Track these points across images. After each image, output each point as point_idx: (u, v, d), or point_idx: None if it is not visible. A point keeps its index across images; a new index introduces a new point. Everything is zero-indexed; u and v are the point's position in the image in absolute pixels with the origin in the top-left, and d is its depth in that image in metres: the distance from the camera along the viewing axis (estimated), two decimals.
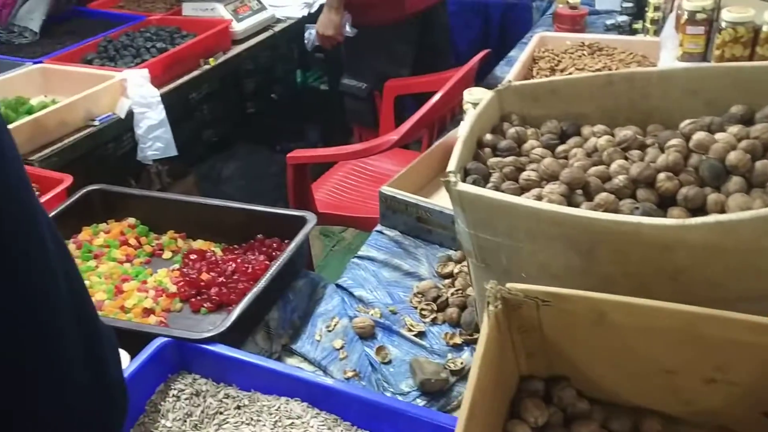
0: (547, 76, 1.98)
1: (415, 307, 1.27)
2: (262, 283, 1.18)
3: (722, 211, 0.89)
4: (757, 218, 0.75)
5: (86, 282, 1.31)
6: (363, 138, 2.86)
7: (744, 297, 0.80)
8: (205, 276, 1.32)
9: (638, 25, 2.41)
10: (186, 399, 1.03)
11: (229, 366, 1.06)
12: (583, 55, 2.05)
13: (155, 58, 2.31)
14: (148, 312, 1.26)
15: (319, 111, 3.67)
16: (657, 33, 2.18)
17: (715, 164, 0.93)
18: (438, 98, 2.13)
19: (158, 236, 1.48)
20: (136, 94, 2.10)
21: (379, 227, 1.50)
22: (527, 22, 3.17)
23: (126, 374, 0.98)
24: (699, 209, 0.91)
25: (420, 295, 1.28)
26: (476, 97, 1.62)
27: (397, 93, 2.68)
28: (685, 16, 1.67)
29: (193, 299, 1.29)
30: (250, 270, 1.31)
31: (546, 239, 0.87)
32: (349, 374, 1.14)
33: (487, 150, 1.10)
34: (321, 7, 2.96)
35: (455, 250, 1.38)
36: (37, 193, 1.61)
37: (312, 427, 0.97)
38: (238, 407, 1.01)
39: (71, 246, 1.42)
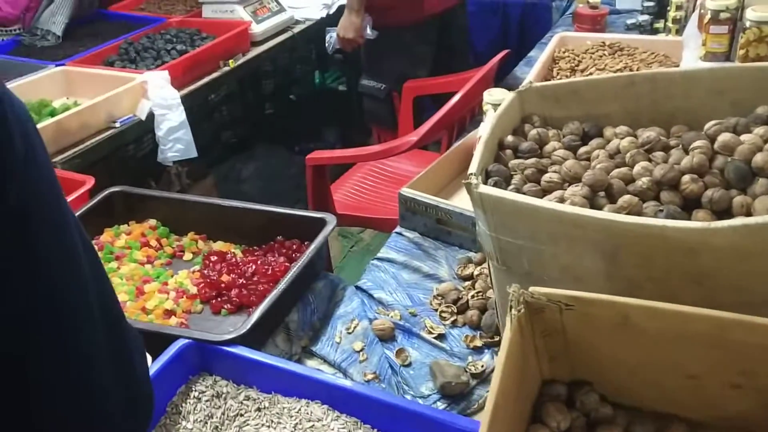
0: (567, 76, 1.96)
1: (435, 310, 1.26)
2: (282, 284, 1.18)
3: (748, 213, 0.87)
4: None
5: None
6: (381, 139, 2.86)
7: None
8: (225, 277, 1.32)
9: (659, 25, 2.38)
10: (207, 401, 1.03)
11: (249, 368, 1.06)
12: (604, 55, 2.04)
13: (175, 60, 2.33)
14: (169, 313, 1.27)
15: (338, 112, 3.68)
16: (679, 32, 2.16)
17: (740, 166, 0.91)
18: (457, 99, 2.12)
19: (179, 238, 1.49)
20: (157, 96, 2.11)
21: (398, 229, 1.49)
22: (547, 22, 3.15)
23: None
24: (724, 212, 0.90)
25: (440, 297, 1.28)
26: (496, 98, 1.61)
27: (415, 94, 2.68)
28: (709, 16, 1.65)
29: (213, 301, 1.30)
30: (270, 272, 1.32)
31: (568, 242, 0.86)
32: (369, 377, 1.14)
33: (509, 152, 1.09)
34: (340, 8, 2.97)
35: (475, 252, 1.38)
36: None
37: (332, 429, 0.97)
38: (259, 409, 1.02)
39: None
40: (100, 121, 2.03)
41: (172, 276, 1.37)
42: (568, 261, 0.88)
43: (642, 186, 0.94)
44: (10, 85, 2.08)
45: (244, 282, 1.31)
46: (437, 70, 2.75)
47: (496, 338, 1.16)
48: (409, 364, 1.15)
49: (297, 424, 0.99)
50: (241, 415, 1.01)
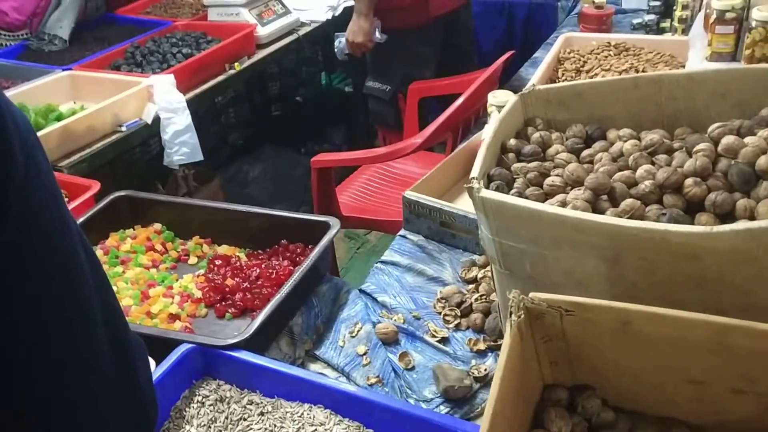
0: (572, 77, 1.96)
1: (439, 313, 1.26)
2: (285, 289, 1.19)
3: (752, 216, 0.87)
4: None
5: (113, 288, 1.33)
6: (387, 140, 2.86)
7: None
8: (229, 281, 1.32)
9: (666, 24, 2.37)
10: (210, 405, 1.04)
11: (253, 372, 1.06)
12: (610, 55, 2.03)
13: (181, 64, 2.33)
14: (173, 318, 1.27)
15: (344, 113, 3.68)
16: (685, 32, 2.15)
17: (744, 169, 0.91)
18: (462, 101, 2.12)
19: (184, 242, 1.50)
20: (163, 100, 2.12)
21: (402, 232, 1.49)
22: (552, 22, 3.14)
23: None
24: (728, 215, 0.90)
25: (443, 301, 1.28)
26: (500, 100, 1.61)
27: (421, 95, 2.68)
28: (714, 15, 1.63)
29: (218, 305, 1.30)
30: (274, 275, 1.32)
31: (571, 246, 0.86)
32: (372, 380, 1.14)
33: (511, 155, 1.09)
34: (345, 10, 2.98)
35: (479, 255, 1.37)
36: (66, 199, 1.63)
37: None
38: (262, 413, 1.02)
39: (98, 252, 1.44)
40: (107, 125, 2.04)
41: (176, 280, 1.38)
42: (570, 265, 0.87)
43: (645, 189, 0.93)
44: (18, 90, 2.11)
45: (249, 286, 1.31)
46: (443, 71, 2.74)
47: (500, 342, 1.16)
48: (413, 368, 1.15)
49: (300, 428, 0.99)
50: (244, 420, 1.01)
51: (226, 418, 1.02)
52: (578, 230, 0.84)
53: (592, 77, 1.92)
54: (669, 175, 0.92)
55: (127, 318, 1.24)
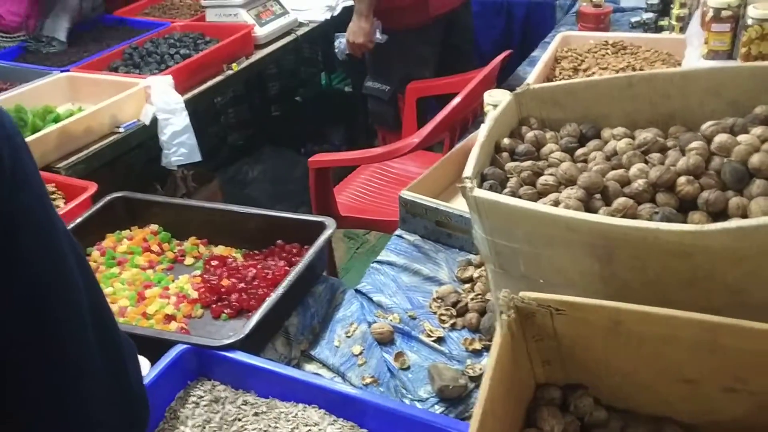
0: (569, 76, 1.95)
1: (435, 312, 1.26)
2: (280, 289, 1.19)
3: (744, 215, 0.87)
4: None
5: (110, 288, 1.33)
6: (386, 140, 2.85)
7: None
8: (225, 282, 1.32)
9: (664, 22, 2.36)
10: (205, 405, 1.04)
11: (247, 373, 1.06)
12: (607, 54, 2.03)
13: (179, 65, 2.33)
14: (169, 318, 1.27)
15: (344, 113, 3.68)
16: (683, 30, 2.14)
17: (737, 167, 0.91)
18: (459, 100, 2.12)
19: (180, 242, 1.50)
20: (160, 101, 2.12)
21: (399, 231, 1.49)
22: (551, 21, 3.14)
23: (146, 381, 0.98)
24: (721, 213, 0.89)
25: (439, 300, 1.28)
26: (496, 99, 1.61)
27: (419, 95, 2.68)
28: (711, 13, 1.63)
29: (213, 305, 1.30)
30: (270, 276, 1.32)
31: (563, 245, 0.86)
32: (368, 380, 1.14)
33: (505, 154, 1.09)
34: (344, 10, 2.97)
35: (475, 254, 1.37)
36: (62, 201, 1.64)
37: None
38: (256, 414, 1.02)
39: (95, 253, 1.44)
40: (105, 126, 2.04)
41: (173, 281, 1.38)
42: (564, 264, 0.87)
43: (638, 188, 0.93)
44: (16, 91, 2.11)
45: (245, 286, 1.31)
46: (442, 70, 2.74)
47: None
48: (408, 368, 1.15)
49: (294, 428, 0.99)
50: (239, 420, 1.01)
51: (221, 418, 1.02)
52: (570, 229, 0.84)
53: (589, 76, 1.91)
54: (662, 174, 0.92)
55: (123, 319, 1.25)
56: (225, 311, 1.28)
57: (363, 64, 2.87)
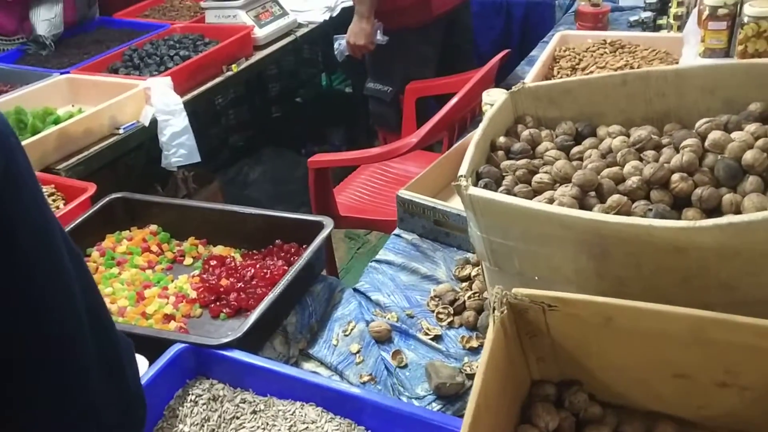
0: (567, 75, 1.96)
1: (432, 311, 1.26)
2: (278, 288, 1.19)
3: (738, 211, 0.87)
4: None
5: (109, 289, 1.34)
6: (387, 141, 2.86)
7: (762, 300, 0.79)
8: (224, 282, 1.33)
9: (663, 21, 2.37)
10: (203, 404, 1.04)
11: (245, 371, 1.07)
12: (605, 53, 2.03)
13: (178, 66, 2.34)
14: (168, 318, 1.28)
15: (344, 114, 3.69)
16: (680, 29, 2.15)
17: (730, 164, 0.91)
18: (457, 100, 2.12)
19: (180, 243, 1.50)
20: (160, 102, 2.13)
21: (397, 231, 1.50)
22: (550, 20, 3.14)
23: (144, 380, 0.99)
24: (714, 210, 0.90)
25: (437, 299, 1.28)
26: (494, 99, 1.61)
27: (418, 95, 2.68)
28: (707, 12, 1.63)
29: (212, 305, 1.31)
30: (268, 275, 1.32)
31: (558, 243, 0.87)
32: (365, 378, 1.14)
33: (501, 153, 1.09)
34: (343, 11, 2.98)
35: (473, 253, 1.38)
36: (62, 202, 1.64)
37: (326, 431, 0.98)
38: (254, 412, 1.02)
39: (95, 254, 1.45)
40: (104, 127, 2.05)
41: (172, 281, 1.38)
42: (559, 261, 0.88)
43: (632, 185, 0.94)
44: (16, 93, 2.12)
45: (243, 286, 1.32)
46: (442, 70, 2.74)
47: None
48: (405, 366, 1.16)
49: (292, 426, 0.99)
50: (237, 418, 1.02)
51: (219, 416, 1.02)
52: (565, 226, 0.84)
53: (587, 75, 1.92)
54: (656, 171, 0.92)
55: (122, 318, 1.25)
56: (224, 311, 1.29)
57: (363, 65, 2.88)
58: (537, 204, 0.88)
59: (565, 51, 2.07)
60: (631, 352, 0.75)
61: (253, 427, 1.00)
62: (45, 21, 2.60)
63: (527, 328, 0.77)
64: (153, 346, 1.07)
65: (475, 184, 0.98)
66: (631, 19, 2.46)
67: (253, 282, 1.33)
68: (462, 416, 1.04)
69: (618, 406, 0.82)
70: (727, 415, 0.75)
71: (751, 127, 0.96)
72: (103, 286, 1.34)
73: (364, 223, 2.34)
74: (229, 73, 2.49)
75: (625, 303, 0.71)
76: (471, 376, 1.11)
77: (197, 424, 1.01)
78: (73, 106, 2.20)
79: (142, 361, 1.04)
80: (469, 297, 1.25)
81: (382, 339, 1.21)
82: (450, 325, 1.23)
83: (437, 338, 1.20)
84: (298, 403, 1.03)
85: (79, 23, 2.82)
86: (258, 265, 1.36)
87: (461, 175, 0.94)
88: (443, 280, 1.34)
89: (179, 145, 2.15)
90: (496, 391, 0.71)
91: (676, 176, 0.92)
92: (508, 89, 1.18)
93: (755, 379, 0.70)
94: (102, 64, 2.41)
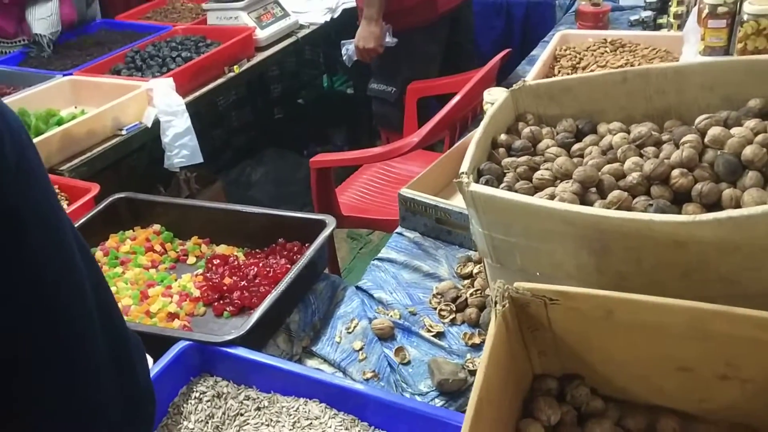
0: (568, 74, 1.96)
1: (435, 308, 1.27)
2: (281, 286, 1.20)
3: (737, 206, 0.87)
4: None
5: (113, 288, 1.35)
6: (390, 141, 2.86)
7: (762, 293, 0.79)
8: (227, 280, 1.34)
9: (663, 20, 2.37)
10: (208, 401, 1.05)
11: (249, 368, 1.07)
12: (606, 52, 2.03)
13: (180, 67, 2.35)
14: (172, 316, 1.28)
15: (346, 115, 3.70)
16: (681, 27, 2.15)
17: (730, 159, 0.92)
18: (458, 100, 2.13)
19: (183, 242, 1.51)
20: (162, 103, 2.14)
21: (399, 229, 1.50)
22: (550, 20, 3.15)
23: None
24: (714, 205, 0.90)
25: (439, 296, 1.29)
26: (495, 98, 1.61)
27: (419, 95, 2.69)
28: (707, 10, 1.64)
29: (216, 303, 1.31)
30: (271, 274, 1.33)
31: (559, 238, 0.87)
32: (368, 375, 1.15)
33: (502, 150, 1.10)
34: (344, 12, 2.99)
35: (475, 251, 1.38)
36: (66, 202, 1.65)
37: (330, 427, 0.98)
38: (258, 408, 1.03)
39: (98, 253, 1.45)
40: (107, 129, 2.06)
41: (175, 280, 1.39)
42: (560, 257, 0.88)
43: (632, 181, 0.94)
44: (19, 95, 2.13)
45: (246, 284, 1.33)
46: (446, 69, 2.74)
47: None
48: (408, 363, 1.16)
49: (295, 422, 1.00)
50: (241, 415, 1.03)
51: (224, 413, 1.03)
52: (566, 222, 0.85)
53: (581, 74, 1.92)
54: (656, 167, 0.93)
55: (126, 317, 1.26)
56: (227, 309, 1.30)
57: (365, 66, 2.88)
58: (538, 200, 0.89)
59: (565, 50, 2.07)
60: (633, 346, 0.75)
61: (257, 423, 1.01)
62: (41, 20, 2.61)
63: (529, 322, 0.78)
64: (157, 344, 1.08)
65: (477, 181, 0.99)
66: (632, 18, 2.47)
67: (256, 280, 1.33)
68: (465, 412, 1.06)
69: (620, 400, 0.83)
70: (728, 407, 0.76)
71: (751, 123, 0.97)
72: None
73: (367, 222, 2.35)
74: (231, 74, 2.51)
75: (625, 296, 0.72)
76: (473, 373, 1.11)
77: (201, 420, 1.02)
78: (75, 107, 2.21)
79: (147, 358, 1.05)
80: (471, 294, 1.25)
81: (385, 336, 1.22)
82: (452, 322, 1.24)
83: (440, 335, 1.21)
84: (302, 400, 1.03)
85: (79, 24, 2.83)
86: (261, 264, 1.37)
87: (463, 172, 0.95)
88: (445, 278, 1.35)
89: (182, 146, 2.16)
90: (498, 385, 0.71)
91: (676, 172, 0.92)
92: (508, 88, 1.19)
93: (756, 371, 0.70)
94: (104, 65, 2.43)
